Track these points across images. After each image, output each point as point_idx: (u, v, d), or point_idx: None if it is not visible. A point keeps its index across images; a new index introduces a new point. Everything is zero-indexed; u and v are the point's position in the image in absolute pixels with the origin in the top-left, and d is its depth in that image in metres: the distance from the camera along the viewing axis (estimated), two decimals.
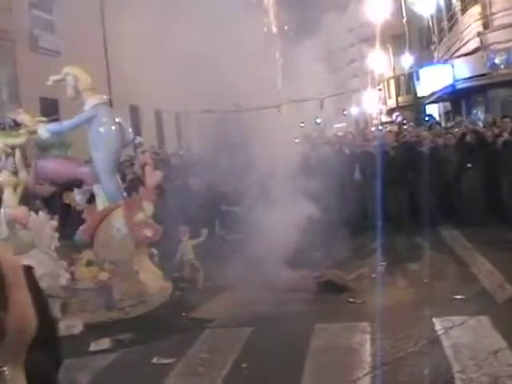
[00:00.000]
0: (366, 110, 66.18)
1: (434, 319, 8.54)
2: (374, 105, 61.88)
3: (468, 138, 16.40)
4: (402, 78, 47.57)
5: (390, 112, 54.31)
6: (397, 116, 48.11)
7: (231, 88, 12.10)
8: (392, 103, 54.12)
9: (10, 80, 20.43)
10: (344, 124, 52.80)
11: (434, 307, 9.04)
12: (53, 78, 10.88)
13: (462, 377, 6.60)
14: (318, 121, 28.20)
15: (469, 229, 14.07)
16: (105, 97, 11.39)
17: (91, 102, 10.69)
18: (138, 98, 22.14)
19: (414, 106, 33.19)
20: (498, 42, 27.02)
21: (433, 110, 37.92)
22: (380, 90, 59.89)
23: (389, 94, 55.90)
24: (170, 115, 26.28)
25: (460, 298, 9.53)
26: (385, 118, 53.64)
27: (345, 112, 70.29)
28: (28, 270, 1.49)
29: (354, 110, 73.02)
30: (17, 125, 10.98)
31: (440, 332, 8.11)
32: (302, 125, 20.47)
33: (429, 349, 7.57)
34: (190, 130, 21.26)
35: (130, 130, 11.52)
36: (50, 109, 19.64)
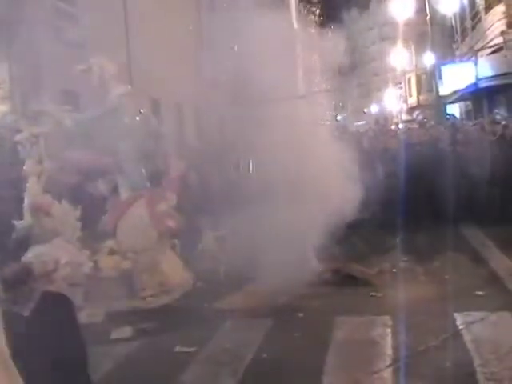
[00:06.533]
0: (386, 108, 66.17)
1: (455, 314, 8.55)
2: (394, 103, 61.87)
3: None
4: (424, 76, 47.58)
5: (410, 110, 54.26)
6: (417, 114, 48.04)
7: (253, 80, 12.03)
8: (413, 101, 54.15)
9: (33, 71, 20.54)
10: (364, 122, 52.73)
11: (455, 302, 8.98)
12: (79, 67, 10.95)
13: (484, 370, 6.62)
14: (338, 118, 28.23)
15: (489, 227, 14.04)
16: (129, 87, 11.45)
17: (116, 91, 10.76)
18: (158, 90, 22.20)
19: (436, 105, 33.03)
20: None
21: (454, 109, 37.79)
22: (401, 88, 59.88)
23: (410, 92, 55.90)
24: (191, 108, 26.31)
25: (481, 294, 9.54)
26: (405, 117, 53.60)
27: (365, 110, 70.09)
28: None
29: (374, 108, 73.01)
30: (41, 114, 11.04)
31: (461, 327, 8.12)
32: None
33: (450, 343, 7.58)
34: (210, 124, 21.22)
35: (155, 121, 11.58)
36: (70, 101, 19.75)
